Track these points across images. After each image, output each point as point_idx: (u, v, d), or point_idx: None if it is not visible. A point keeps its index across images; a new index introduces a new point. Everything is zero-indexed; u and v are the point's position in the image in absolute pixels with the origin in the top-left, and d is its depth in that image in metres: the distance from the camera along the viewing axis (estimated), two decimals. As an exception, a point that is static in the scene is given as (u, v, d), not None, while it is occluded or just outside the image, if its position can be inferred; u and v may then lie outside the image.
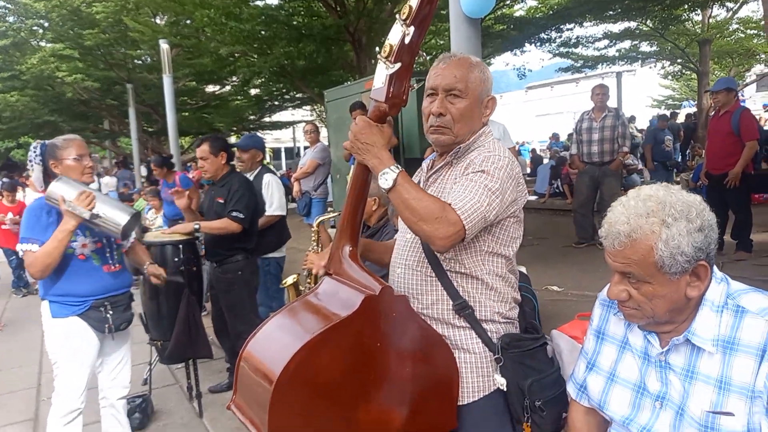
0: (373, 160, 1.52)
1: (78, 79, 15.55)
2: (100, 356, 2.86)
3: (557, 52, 16.97)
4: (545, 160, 15.41)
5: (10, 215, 7.56)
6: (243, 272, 3.92)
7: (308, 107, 22.19)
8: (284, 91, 17.38)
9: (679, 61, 19.41)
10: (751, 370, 1.24)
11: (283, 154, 34.47)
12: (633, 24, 16.46)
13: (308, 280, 3.05)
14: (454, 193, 1.53)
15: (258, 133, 22.70)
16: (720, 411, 1.26)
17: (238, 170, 4.33)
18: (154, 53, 14.34)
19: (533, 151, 21.81)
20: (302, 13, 11.94)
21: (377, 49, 11.53)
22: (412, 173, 1.99)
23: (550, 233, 8.24)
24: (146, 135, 18.38)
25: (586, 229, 7.03)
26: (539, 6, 15.13)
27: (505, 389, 1.63)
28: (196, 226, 3.69)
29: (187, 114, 18.45)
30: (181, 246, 3.61)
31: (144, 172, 13.05)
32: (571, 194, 10.02)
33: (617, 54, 18.82)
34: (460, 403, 1.64)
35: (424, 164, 1.88)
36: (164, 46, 8.48)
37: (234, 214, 3.73)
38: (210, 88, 19.40)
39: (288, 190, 9.71)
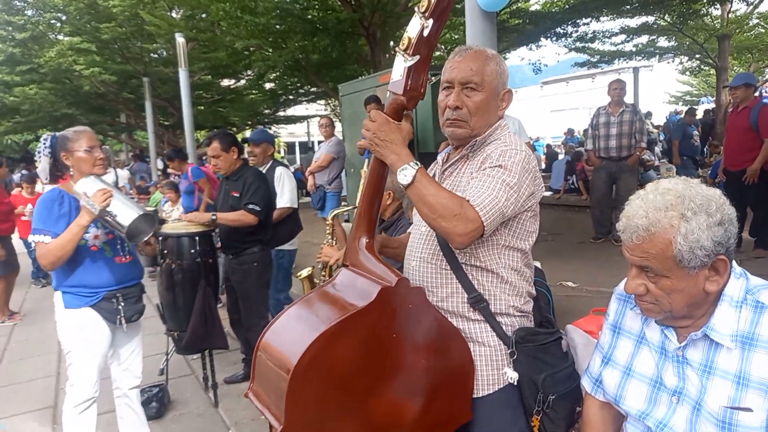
0: (391, 156, 1.52)
1: (95, 73, 15.65)
2: (112, 347, 2.89)
3: (573, 46, 16.76)
4: (560, 156, 15.27)
5: (30, 207, 7.66)
6: (258, 264, 3.95)
7: (322, 102, 22.19)
8: (299, 85, 17.38)
9: (697, 56, 19.12)
10: (770, 366, 1.23)
11: (297, 149, 34.56)
12: (651, 18, 16.22)
13: (323, 273, 3.07)
14: (472, 189, 1.53)
15: (272, 128, 22.86)
16: (738, 406, 1.25)
17: (250, 164, 4.36)
18: (170, 47, 14.40)
19: (548, 146, 21.67)
20: (317, 6, 11.92)
21: (392, 43, 11.57)
22: (427, 167, 2.00)
23: (564, 229, 8.19)
24: (162, 128, 18.50)
25: (605, 225, 6.98)
26: (555, 0, 14.98)
27: (515, 384, 1.63)
28: (214, 217, 3.72)
29: (202, 108, 18.53)
30: (197, 238, 3.63)
31: (160, 165, 13.17)
32: (586, 190, 9.93)
33: (634, 49, 18.56)
34: (474, 396, 1.64)
35: (440, 157, 1.89)
36: (180, 39, 8.52)
37: (250, 206, 3.77)
38: (225, 82, 19.46)
39: (301, 184, 9.79)
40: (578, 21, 14.46)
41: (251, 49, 12.35)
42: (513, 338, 1.63)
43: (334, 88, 12.15)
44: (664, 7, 14.22)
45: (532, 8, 14.92)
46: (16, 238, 6.70)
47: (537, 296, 1.79)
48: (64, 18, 15.84)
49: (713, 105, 17.30)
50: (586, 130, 7.45)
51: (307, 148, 28.97)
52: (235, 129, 19.59)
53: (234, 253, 3.95)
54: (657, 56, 20.18)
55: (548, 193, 11.42)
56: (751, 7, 16.47)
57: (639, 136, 6.61)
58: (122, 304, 2.79)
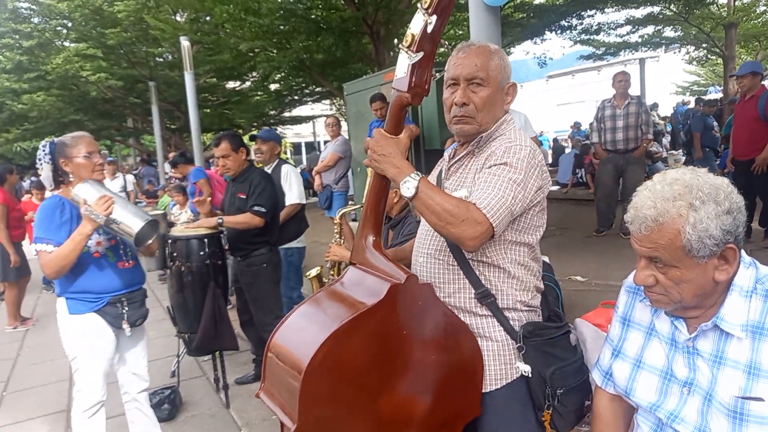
0: (392, 170, 1.53)
1: (102, 78, 15.77)
2: (117, 352, 2.88)
3: (578, 39, 16.66)
4: (567, 150, 15.20)
5: (39, 213, 7.71)
6: (267, 265, 3.96)
7: (327, 101, 22.21)
8: (303, 85, 17.43)
9: (704, 45, 18.92)
10: (782, 355, 1.22)
11: (303, 149, 34.62)
12: (656, 9, 16.06)
13: (331, 272, 3.09)
14: (478, 190, 1.53)
15: (278, 129, 22.91)
16: (749, 396, 1.25)
17: (257, 163, 4.37)
18: (175, 50, 14.49)
19: (555, 140, 21.57)
20: (320, 6, 11.94)
21: (396, 40, 11.56)
22: (433, 164, 2.00)
23: (572, 223, 8.17)
24: (169, 132, 18.58)
25: (608, 218, 6.95)
26: (559, -8, 14.91)
27: (530, 376, 1.63)
28: (220, 221, 3.74)
29: (208, 110, 18.62)
30: (206, 240, 3.64)
31: (168, 168, 13.22)
32: (594, 184, 9.89)
33: (640, 40, 18.40)
34: (483, 391, 1.64)
35: (446, 153, 1.89)
36: (185, 43, 8.54)
37: (256, 208, 3.77)
38: (230, 85, 19.53)
39: (307, 185, 9.79)
40: (583, 13, 14.39)
41: (256, 50, 12.39)
42: (521, 333, 1.63)
43: (338, 88, 12.16)
44: (669, -4, 14.12)
45: (536, 1, 14.84)
46: (26, 245, 6.75)
47: (545, 291, 1.78)
48: (69, 25, 15.94)
49: (721, 94, 17.13)
50: (591, 124, 7.39)
51: (312, 148, 29.01)
52: (241, 131, 19.65)
53: (242, 255, 3.97)
54: (663, 47, 20.01)
55: (555, 188, 11.38)
56: (758, -7, 16.31)
57: (645, 127, 6.58)
58: (126, 308, 2.78)
